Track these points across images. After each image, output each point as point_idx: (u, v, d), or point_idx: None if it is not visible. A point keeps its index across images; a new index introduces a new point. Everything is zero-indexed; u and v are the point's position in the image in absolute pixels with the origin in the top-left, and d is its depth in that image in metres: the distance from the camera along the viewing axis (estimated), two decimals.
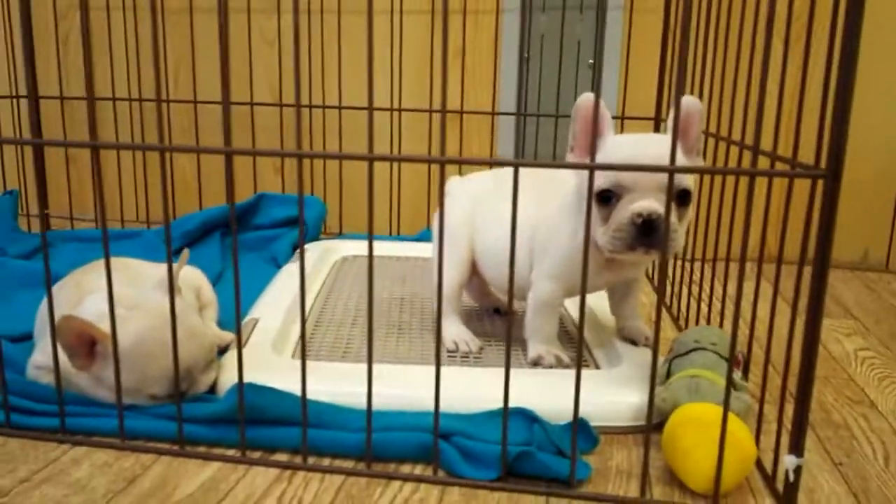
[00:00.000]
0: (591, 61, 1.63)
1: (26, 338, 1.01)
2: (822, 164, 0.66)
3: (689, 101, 0.82)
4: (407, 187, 1.73)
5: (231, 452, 0.77)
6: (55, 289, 0.99)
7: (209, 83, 1.74)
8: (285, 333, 1.02)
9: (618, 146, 0.82)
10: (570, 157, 0.87)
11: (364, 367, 0.91)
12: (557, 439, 0.76)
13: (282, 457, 0.77)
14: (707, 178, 1.08)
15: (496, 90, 1.66)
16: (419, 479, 0.73)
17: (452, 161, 0.73)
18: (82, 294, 0.88)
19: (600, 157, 0.81)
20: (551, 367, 0.94)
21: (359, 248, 1.50)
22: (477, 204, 1.04)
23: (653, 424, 0.75)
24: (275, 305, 1.09)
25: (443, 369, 0.78)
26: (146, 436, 0.79)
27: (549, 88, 1.63)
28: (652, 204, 0.78)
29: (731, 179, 1.03)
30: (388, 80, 1.66)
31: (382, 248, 1.50)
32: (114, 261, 0.99)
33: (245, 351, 0.91)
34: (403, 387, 0.85)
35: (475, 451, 0.74)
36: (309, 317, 1.12)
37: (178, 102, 1.74)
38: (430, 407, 0.75)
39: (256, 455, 0.77)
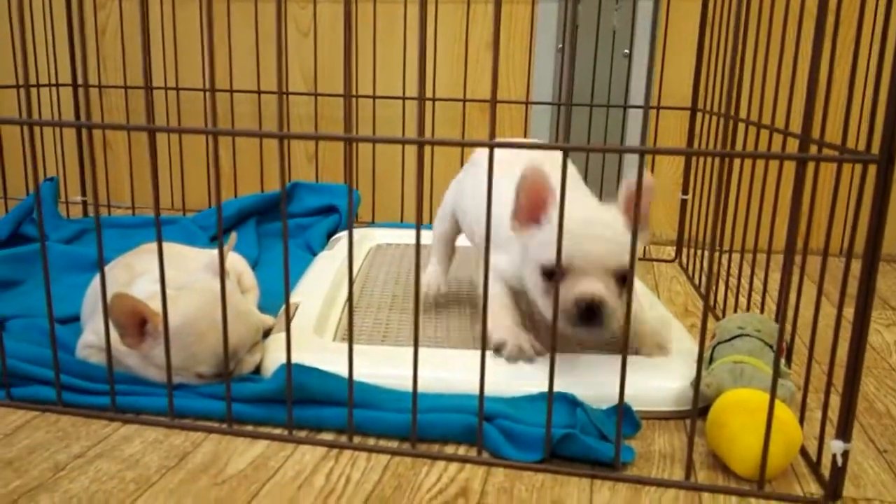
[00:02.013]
0: (626, 51, 1.62)
1: (72, 320, 1.03)
2: (874, 149, 0.66)
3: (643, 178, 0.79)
4: (439, 175, 1.73)
5: (278, 431, 0.78)
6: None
7: (244, 72, 1.75)
8: (325, 317, 1.03)
9: (565, 224, 0.72)
10: (513, 223, 0.86)
11: (404, 349, 0.93)
12: (600, 423, 0.77)
13: (327, 436, 0.78)
14: (747, 167, 1.07)
15: (530, 80, 1.65)
16: (464, 460, 0.74)
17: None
18: (133, 276, 0.90)
19: (546, 233, 0.82)
20: (512, 357, 0.88)
21: (392, 235, 1.51)
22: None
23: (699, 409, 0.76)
24: (314, 290, 1.11)
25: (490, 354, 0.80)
26: (195, 414, 0.80)
27: (583, 78, 1.63)
28: (594, 287, 0.79)
29: (773, 172, 1.02)
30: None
31: (413, 236, 1.51)
32: (165, 245, 1.02)
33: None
34: (445, 370, 0.85)
35: (518, 433, 0.75)
36: (347, 301, 1.13)
37: (217, 92, 1.76)
38: (471, 390, 0.77)
39: (303, 434, 0.78)
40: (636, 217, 0.68)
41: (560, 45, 1.65)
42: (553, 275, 0.79)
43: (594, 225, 0.82)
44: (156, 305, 0.79)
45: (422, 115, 0.71)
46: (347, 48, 0.68)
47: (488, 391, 0.77)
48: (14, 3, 1.64)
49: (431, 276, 1.14)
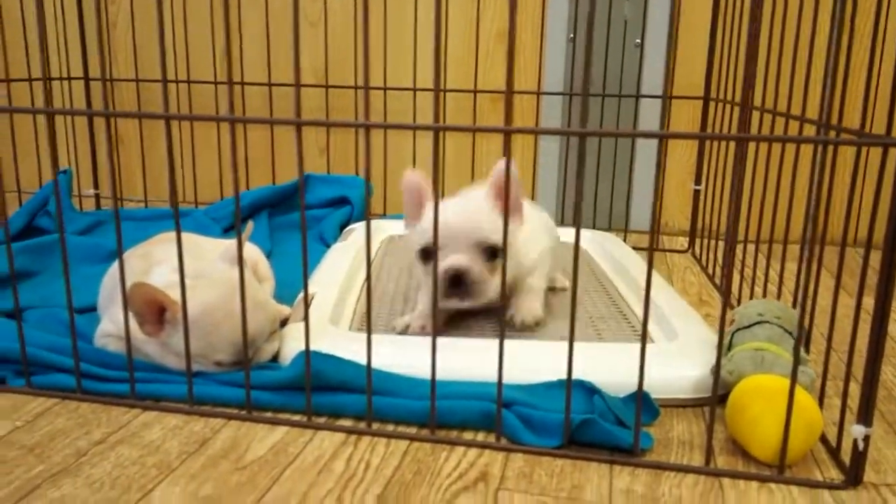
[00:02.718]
0: (637, 41, 1.62)
1: (88, 309, 1.04)
2: (894, 133, 0.65)
3: (502, 163, 0.91)
4: (450, 166, 1.73)
5: (297, 418, 0.79)
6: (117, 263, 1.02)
7: (253, 64, 1.75)
8: (341, 307, 1.04)
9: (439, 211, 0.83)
10: (405, 223, 0.99)
11: (419, 339, 0.93)
12: (618, 410, 0.77)
13: (346, 422, 0.78)
14: (762, 155, 1.07)
15: (541, 71, 1.65)
16: (483, 446, 0.74)
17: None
18: (150, 265, 0.90)
19: (422, 223, 0.94)
20: (414, 333, 0.95)
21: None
22: None
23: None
24: (329, 281, 1.11)
25: (510, 343, 0.81)
26: (213, 401, 0.81)
27: (594, 68, 1.62)
28: (458, 260, 0.89)
29: (788, 160, 1.02)
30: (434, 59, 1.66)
31: None
32: (183, 236, 1.02)
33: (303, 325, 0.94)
34: (461, 357, 0.86)
35: (536, 419, 0.75)
36: (362, 292, 1.14)
37: (226, 84, 1.76)
38: (488, 377, 0.78)
39: (321, 420, 0.78)
40: (506, 199, 0.73)
41: (571, 35, 1.64)
42: (427, 255, 0.92)
43: (460, 208, 0.91)
44: (174, 294, 0.79)
45: (438, 103, 0.71)
46: (365, 38, 0.68)
47: (505, 378, 0.78)
48: None
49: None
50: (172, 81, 1.75)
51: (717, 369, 0.71)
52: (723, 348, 0.82)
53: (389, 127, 0.76)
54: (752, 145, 1.11)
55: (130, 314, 0.79)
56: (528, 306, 0.99)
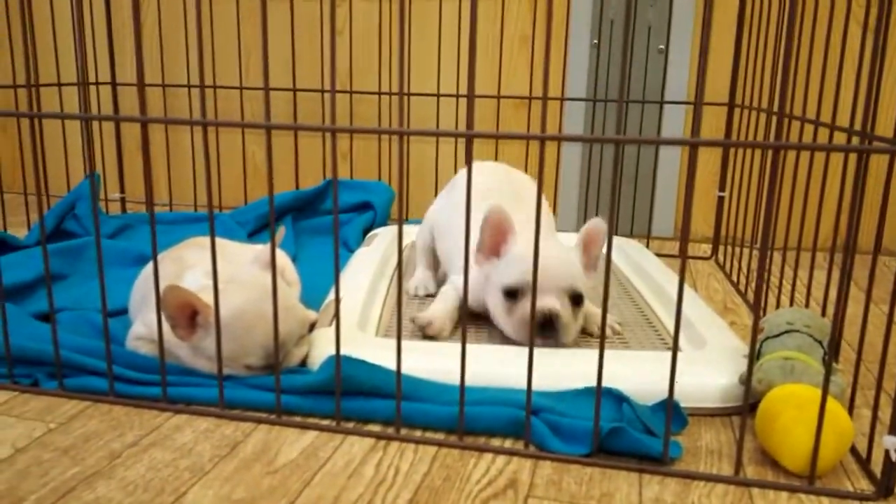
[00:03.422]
0: (661, 47, 1.61)
1: (119, 313, 1.05)
2: None
3: (596, 222, 0.99)
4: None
5: (326, 422, 0.79)
6: (148, 268, 1.03)
7: (279, 70, 1.77)
8: (367, 312, 1.04)
9: (521, 256, 0.95)
10: (478, 256, 0.99)
11: (445, 344, 0.94)
12: (646, 418, 0.76)
13: (374, 427, 0.79)
14: (790, 162, 1.06)
15: (565, 76, 1.65)
16: (511, 452, 0.74)
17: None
18: (182, 269, 0.91)
19: (506, 261, 0.96)
20: (432, 333, 0.97)
21: None
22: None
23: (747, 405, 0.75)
24: (355, 286, 1.11)
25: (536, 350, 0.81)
26: (243, 405, 0.81)
27: (617, 74, 1.62)
28: (550, 302, 0.91)
29: (817, 167, 1.01)
30: (456, 66, 1.67)
31: None
32: (205, 239, 1.03)
33: (333, 330, 0.94)
34: (487, 364, 0.86)
35: (565, 426, 0.75)
36: (387, 297, 1.14)
37: (251, 90, 1.78)
38: (515, 384, 0.79)
39: (350, 425, 0.79)
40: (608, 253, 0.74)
41: (595, 41, 1.64)
42: (513, 294, 0.94)
43: (552, 253, 0.92)
44: (207, 297, 0.80)
45: (471, 110, 0.71)
46: (400, 45, 0.69)
47: (533, 385, 0.78)
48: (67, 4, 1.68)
49: (419, 279, 1.21)
50: (196, 86, 1.76)
51: (748, 378, 0.70)
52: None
53: (423, 134, 0.76)
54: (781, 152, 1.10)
55: (163, 317, 0.80)
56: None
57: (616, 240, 1.46)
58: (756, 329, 0.69)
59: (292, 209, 1.62)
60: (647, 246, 1.46)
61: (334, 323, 0.96)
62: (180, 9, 1.77)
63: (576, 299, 0.94)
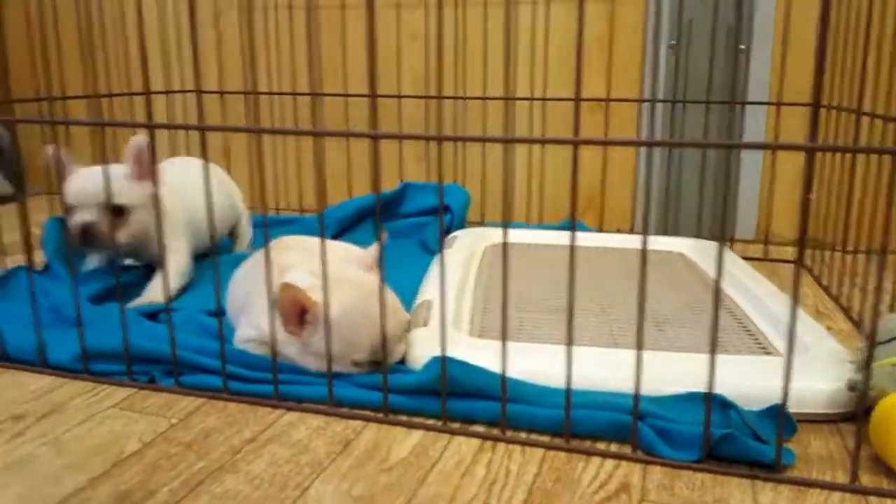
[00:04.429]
0: (741, 47, 1.59)
1: (220, 313, 1.10)
2: None
3: (138, 139, 1.18)
4: (550, 175, 1.74)
5: (431, 422, 0.81)
6: (245, 269, 1.07)
7: (357, 77, 1.81)
8: (459, 313, 1.06)
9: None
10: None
11: (542, 346, 0.95)
12: (754, 424, 0.76)
13: (479, 428, 0.80)
14: (874, 163, 1.04)
15: (643, 77, 1.64)
16: (618, 456, 0.75)
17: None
18: (281, 269, 0.94)
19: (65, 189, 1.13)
20: None
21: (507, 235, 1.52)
22: None
23: (851, 412, 0.74)
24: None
25: (629, 353, 0.82)
26: (351, 404, 0.84)
27: (696, 75, 1.60)
28: (86, 216, 1.12)
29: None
30: (530, 69, 1.68)
31: (526, 236, 1.53)
32: (299, 240, 1.07)
33: (429, 330, 0.97)
34: (587, 367, 0.86)
35: (673, 431, 0.75)
36: (475, 299, 1.16)
37: (331, 96, 1.82)
38: (612, 387, 0.81)
39: (455, 425, 0.81)
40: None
41: (672, 42, 1.63)
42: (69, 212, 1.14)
43: (91, 176, 1.12)
44: (316, 296, 0.83)
45: (578, 115, 0.72)
46: (506, 52, 0.70)
47: (630, 389, 0.79)
48: (150, 13, 1.74)
49: None
50: (278, 94, 1.81)
51: (864, 384, 0.69)
52: (858, 363, 0.81)
53: (532, 142, 0.77)
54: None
55: (277, 314, 0.84)
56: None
57: (696, 241, 1.45)
58: (874, 333, 0.68)
59: (371, 212, 1.65)
60: (731, 248, 1.45)
61: (431, 323, 0.99)
62: (261, 21, 1.83)
63: (117, 211, 1.14)
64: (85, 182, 1.12)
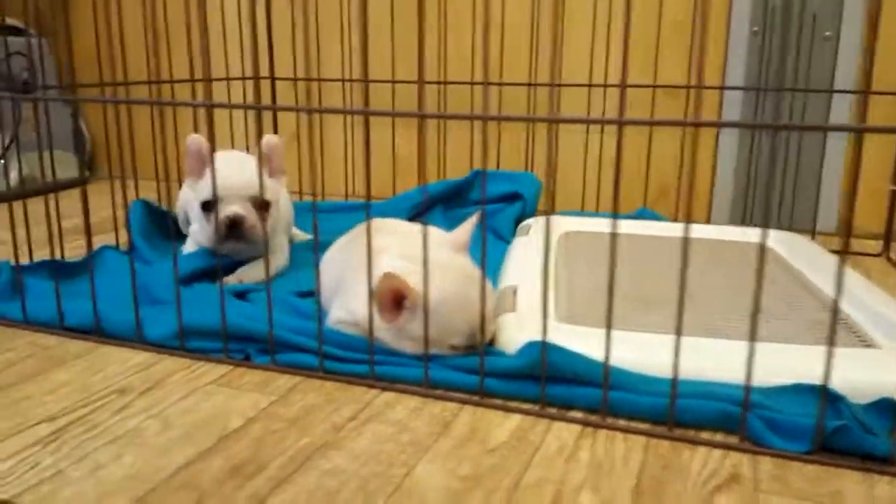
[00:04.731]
0: (827, 33, 1.54)
1: (307, 294, 1.11)
2: None
3: (271, 138, 1.18)
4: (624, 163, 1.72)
5: (526, 406, 0.81)
6: (335, 251, 1.08)
7: (429, 64, 1.81)
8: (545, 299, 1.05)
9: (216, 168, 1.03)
10: (188, 180, 1.20)
11: (635, 334, 0.94)
12: (863, 418, 0.74)
13: (576, 414, 0.80)
14: None
15: (726, 64, 1.61)
16: (725, 446, 0.73)
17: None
18: (374, 254, 0.95)
19: (204, 181, 1.15)
20: None
21: (579, 224, 1.51)
22: None
23: None
24: (526, 274, 1.13)
25: (727, 343, 0.87)
26: (446, 386, 0.84)
27: (779, 62, 1.56)
28: (235, 209, 1.13)
29: None
30: (605, 54, 1.66)
31: (600, 224, 1.51)
32: (389, 223, 1.07)
33: (518, 315, 0.96)
34: (688, 356, 0.85)
35: (782, 422, 0.73)
36: (558, 286, 1.15)
37: (404, 83, 1.83)
38: (711, 377, 0.81)
39: (553, 411, 0.80)
40: None
41: (755, 28, 1.59)
42: (208, 207, 1.16)
43: (230, 166, 1.13)
44: (412, 282, 0.83)
45: (623, 98, 0.71)
46: (554, 38, 0.69)
47: (738, 379, 0.78)
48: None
49: None
50: (348, 80, 1.83)
51: None
52: None
53: (575, 122, 0.76)
54: None
55: (375, 302, 0.84)
56: None
57: (779, 233, 1.41)
58: None
59: (442, 199, 1.65)
60: (813, 241, 1.41)
61: (518, 308, 0.99)
62: (328, 7, 1.84)
63: (262, 206, 1.13)
64: (233, 174, 1.11)
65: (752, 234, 1.44)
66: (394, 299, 0.85)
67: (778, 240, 1.40)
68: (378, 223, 1.09)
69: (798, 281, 1.19)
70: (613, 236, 0.74)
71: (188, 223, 1.32)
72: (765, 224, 0.70)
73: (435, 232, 1.08)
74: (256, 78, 1.80)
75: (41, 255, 1.18)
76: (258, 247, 1.17)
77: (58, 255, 1.19)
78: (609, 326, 0.76)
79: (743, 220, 1.62)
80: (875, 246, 1.49)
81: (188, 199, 1.28)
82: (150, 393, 0.85)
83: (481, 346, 0.82)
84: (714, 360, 0.84)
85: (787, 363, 0.83)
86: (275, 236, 1.25)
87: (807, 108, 1.57)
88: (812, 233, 1.49)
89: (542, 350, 0.79)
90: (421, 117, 0.78)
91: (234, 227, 1.13)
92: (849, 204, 0.71)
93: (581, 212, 1.70)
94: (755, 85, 1.57)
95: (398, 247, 0.94)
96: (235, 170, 1.12)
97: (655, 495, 0.65)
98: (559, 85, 1.68)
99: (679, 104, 1.64)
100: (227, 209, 1.13)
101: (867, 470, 0.69)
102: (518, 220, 1.57)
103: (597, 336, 0.91)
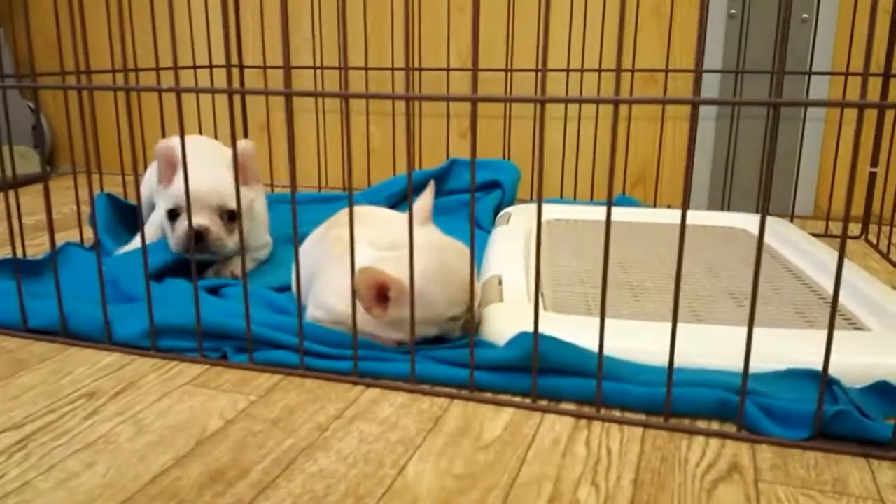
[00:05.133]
0: (804, 16, 1.53)
1: (284, 289, 1.07)
2: None
3: (245, 143, 1.14)
4: (600, 150, 1.70)
5: (518, 399, 0.78)
6: (311, 245, 1.04)
7: (399, 51, 1.77)
8: (530, 288, 1.03)
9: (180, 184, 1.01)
10: (159, 186, 1.15)
11: (636, 323, 0.91)
12: (859, 402, 0.73)
13: (569, 406, 0.77)
14: None
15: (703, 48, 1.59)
16: (722, 435, 0.72)
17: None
18: (346, 246, 0.91)
19: (173, 189, 1.10)
20: None
21: (562, 211, 1.49)
22: None
23: None
24: (511, 263, 1.10)
25: (711, 328, 0.85)
26: (433, 380, 0.81)
27: (757, 45, 1.55)
28: (200, 220, 1.07)
29: None
30: (582, 40, 1.63)
31: (580, 212, 1.49)
32: (358, 210, 1.04)
33: (505, 305, 0.94)
34: (681, 343, 0.83)
35: (779, 409, 0.72)
36: (545, 275, 1.13)
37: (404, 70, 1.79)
38: (700, 364, 0.79)
39: (545, 403, 0.78)
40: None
41: (732, 11, 1.57)
42: (175, 216, 1.11)
43: (205, 178, 1.06)
44: (389, 269, 0.80)
45: (619, 81, 0.69)
46: (546, 23, 0.66)
47: (729, 366, 0.76)
48: None
49: None
50: (329, 68, 1.78)
51: None
52: None
53: (568, 101, 0.74)
54: None
55: (354, 298, 0.81)
56: None
57: (757, 217, 1.41)
58: None
59: (418, 189, 1.61)
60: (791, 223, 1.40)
61: (506, 298, 0.96)
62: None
63: (229, 216, 1.09)
64: (202, 183, 1.02)
65: (729, 219, 1.43)
66: (378, 293, 0.82)
67: (756, 223, 1.39)
68: (343, 216, 1.05)
69: (782, 265, 1.18)
70: (608, 222, 0.71)
71: (152, 207, 1.27)
72: (763, 209, 0.68)
73: (394, 215, 1.05)
74: (228, 66, 1.75)
75: (2, 253, 1.13)
76: (227, 252, 1.13)
77: (19, 254, 1.14)
78: (603, 315, 0.73)
79: (724, 203, 1.61)
80: (854, 228, 1.49)
81: (153, 184, 1.23)
82: (122, 396, 0.80)
83: (472, 327, 0.79)
84: (701, 346, 0.82)
85: (775, 347, 0.82)
86: (255, 239, 1.22)
87: (784, 90, 1.56)
88: (791, 216, 1.48)
89: (534, 340, 0.76)
90: (408, 100, 0.75)
91: (198, 240, 1.07)
92: (848, 186, 0.70)
93: (561, 199, 1.68)
94: (737, 67, 1.56)
95: (367, 238, 0.91)
96: (205, 178, 1.06)
97: (656, 489, 0.63)
98: (545, 70, 1.66)
99: (657, 88, 1.63)
100: (193, 220, 1.06)
101: (868, 455, 0.68)
102: (497, 209, 1.55)
103: (586, 325, 0.89)
